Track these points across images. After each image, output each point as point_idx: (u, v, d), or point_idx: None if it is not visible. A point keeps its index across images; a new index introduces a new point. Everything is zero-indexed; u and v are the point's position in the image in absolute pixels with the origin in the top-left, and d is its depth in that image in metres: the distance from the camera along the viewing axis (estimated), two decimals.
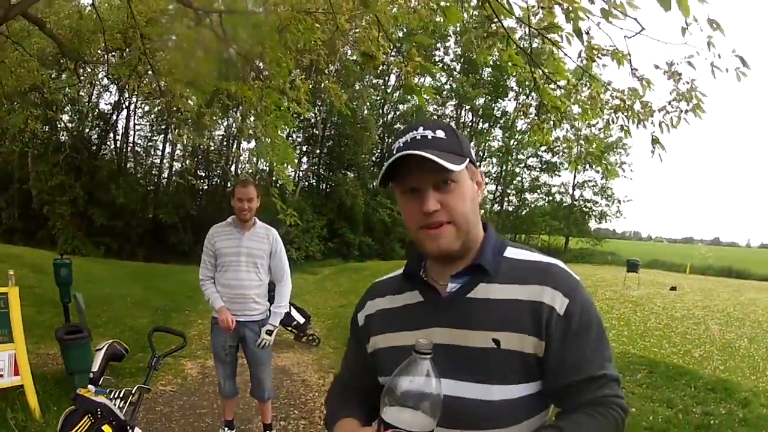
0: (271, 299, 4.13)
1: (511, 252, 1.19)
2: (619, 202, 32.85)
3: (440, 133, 1.11)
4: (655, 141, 4.09)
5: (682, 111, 4.00)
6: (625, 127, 4.26)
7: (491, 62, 29.65)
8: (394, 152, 1.10)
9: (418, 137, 1.10)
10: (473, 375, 1.10)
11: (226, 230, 3.98)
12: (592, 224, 34.30)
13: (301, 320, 7.80)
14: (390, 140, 1.18)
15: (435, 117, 33.11)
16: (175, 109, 9.03)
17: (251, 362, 4.10)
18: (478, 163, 1.19)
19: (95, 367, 2.92)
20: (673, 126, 4.01)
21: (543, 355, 1.09)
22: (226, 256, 3.92)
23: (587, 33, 3.76)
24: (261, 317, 4.02)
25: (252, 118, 8.50)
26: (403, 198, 1.15)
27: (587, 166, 31.51)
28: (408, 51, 4.04)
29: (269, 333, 3.97)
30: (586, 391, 1.08)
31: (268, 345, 4.01)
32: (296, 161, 24.52)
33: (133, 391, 2.89)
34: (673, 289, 14.81)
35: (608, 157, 5.11)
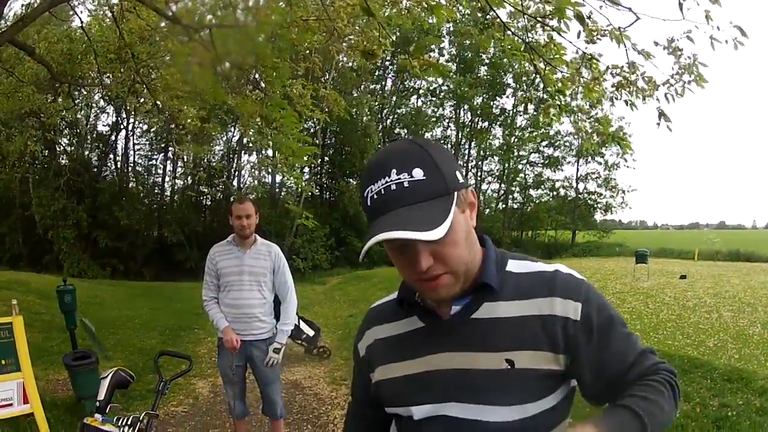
0: (277, 316, 4.05)
1: (513, 265, 1.13)
2: (624, 192, 32.56)
3: (418, 173, 0.96)
4: (661, 114, 4.08)
5: (685, 83, 3.99)
6: (630, 102, 4.24)
7: (487, 60, 29.51)
8: (368, 212, 1.01)
9: (393, 186, 0.96)
10: (485, 398, 1.05)
11: (226, 249, 3.90)
12: (598, 216, 34.04)
13: (311, 333, 7.67)
14: (362, 181, 1.06)
15: (427, 119, 33.00)
16: (173, 126, 9.06)
17: (260, 381, 4.03)
18: (469, 177, 1.08)
19: (101, 396, 2.97)
20: (679, 95, 4.01)
21: (568, 366, 1.06)
22: (228, 275, 3.85)
23: (589, 17, 3.71)
24: (267, 335, 3.92)
25: (251, 131, 8.48)
26: (392, 252, 1.04)
27: (590, 158, 31.39)
28: (417, 48, 4.02)
29: (276, 351, 3.89)
30: (631, 373, 1.06)
31: (276, 363, 3.93)
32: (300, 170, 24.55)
33: (141, 418, 2.87)
34: (683, 277, 14.68)
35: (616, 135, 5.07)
